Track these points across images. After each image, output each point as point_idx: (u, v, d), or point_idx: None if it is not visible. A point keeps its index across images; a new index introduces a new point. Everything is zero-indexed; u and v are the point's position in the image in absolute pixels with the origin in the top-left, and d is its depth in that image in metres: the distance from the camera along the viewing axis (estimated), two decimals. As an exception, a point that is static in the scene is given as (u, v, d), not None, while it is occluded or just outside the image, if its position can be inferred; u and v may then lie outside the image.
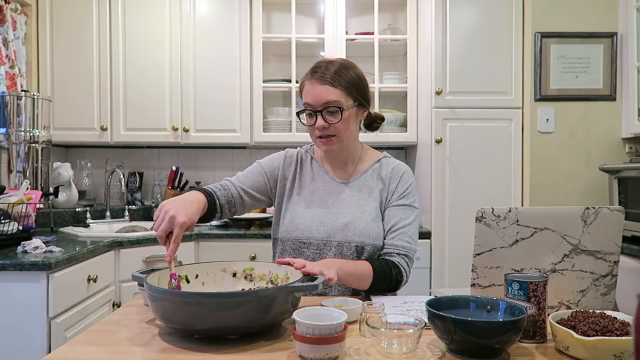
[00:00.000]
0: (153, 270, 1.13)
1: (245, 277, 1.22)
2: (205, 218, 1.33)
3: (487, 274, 1.09)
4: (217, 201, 1.38)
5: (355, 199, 1.41)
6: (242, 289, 1.16)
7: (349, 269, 1.24)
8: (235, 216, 1.50)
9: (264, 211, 2.98)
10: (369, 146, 1.55)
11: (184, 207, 1.17)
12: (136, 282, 1.22)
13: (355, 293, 1.36)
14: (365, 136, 1.51)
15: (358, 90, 1.37)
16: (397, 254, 1.36)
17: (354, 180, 1.44)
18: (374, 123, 1.50)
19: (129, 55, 2.82)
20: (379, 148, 1.60)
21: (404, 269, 1.35)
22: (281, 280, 1.17)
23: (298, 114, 1.40)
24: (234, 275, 1.22)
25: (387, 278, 1.31)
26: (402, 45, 2.95)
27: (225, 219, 2.83)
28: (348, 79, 1.35)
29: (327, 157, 1.47)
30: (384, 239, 1.39)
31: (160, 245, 1.16)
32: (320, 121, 1.33)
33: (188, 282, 1.17)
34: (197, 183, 3.10)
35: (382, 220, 1.41)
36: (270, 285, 1.17)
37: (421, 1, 2.82)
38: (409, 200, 1.42)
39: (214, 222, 2.82)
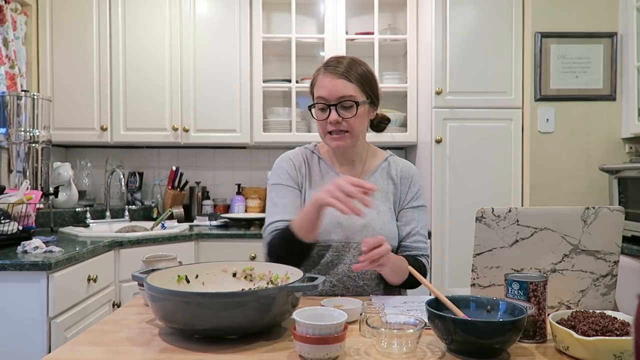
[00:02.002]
0: (153, 270, 1.13)
1: (245, 277, 1.22)
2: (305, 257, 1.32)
3: (487, 274, 1.09)
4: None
5: (370, 199, 1.40)
6: (242, 289, 1.16)
7: (395, 262, 1.26)
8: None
9: (263, 211, 2.98)
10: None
11: None
12: (136, 282, 1.23)
13: (355, 293, 1.36)
14: (366, 136, 1.50)
15: (370, 87, 1.36)
16: (421, 255, 1.41)
17: (365, 180, 1.42)
18: (380, 124, 1.48)
19: (129, 55, 2.82)
20: (380, 148, 1.60)
21: (427, 269, 1.41)
22: (281, 280, 1.17)
23: (310, 107, 1.38)
24: (234, 275, 1.22)
25: (414, 278, 1.28)
26: (402, 45, 2.95)
27: (226, 220, 2.83)
28: (362, 74, 1.34)
29: (334, 155, 1.45)
30: (403, 240, 1.41)
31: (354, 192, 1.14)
32: (334, 115, 1.31)
33: (188, 282, 1.17)
34: (197, 183, 3.10)
35: (398, 221, 1.42)
36: (270, 285, 1.17)
37: (421, 1, 2.82)
38: (421, 201, 1.46)
39: (214, 222, 2.83)
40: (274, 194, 1.42)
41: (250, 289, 1.17)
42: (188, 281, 1.16)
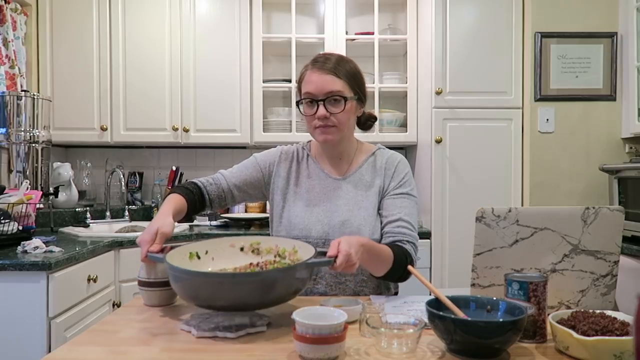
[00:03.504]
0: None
1: (253, 251, 1.26)
2: (193, 212, 1.41)
3: (487, 274, 1.09)
4: (207, 196, 1.44)
5: (352, 195, 1.40)
6: (251, 263, 1.20)
7: (373, 254, 1.21)
8: (228, 207, 1.57)
9: (264, 211, 2.99)
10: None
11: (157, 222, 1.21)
12: (136, 282, 1.23)
13: (339, 290, 1.36)
14: (364, 136, 1.51)
15: (358, 84, 1.37)
16: (406, 241, 1.34)
17: (349, 176, 1.43)
18: (367, 122, 1.49)
19: (129, 55, 2.82)
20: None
21: (413, 257, 1.33)
22: (289, 253, 1.21)
23: (297, 103, 1.38)
24: (242, 249, 1.26)
25: (402, 267, 1.27)
26: (402, 45, 2.95)
27: (226, 220, 2.83)
28: (349, 70, 1.35)
29: (322, 152, 1.46)
30: (386, 227, 1.37)
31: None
32: (322, 110, 1.31)
33: (199, 258, 1.20)
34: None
35: (380, 210, 1.40)
36: (277, 258, 1.22)
37: (421, 1, 2.82)
38: (406, 189, 1.41)
39: (213, 222, 2.83)
40: (245, 161, 1.51)
41: (258, 262, 1.20)
42: (199, 257, 1.20)
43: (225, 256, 1.23)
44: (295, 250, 1.19)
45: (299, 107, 1.39)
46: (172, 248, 1.16)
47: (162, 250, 1.14)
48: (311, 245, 1.17)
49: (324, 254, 1.09)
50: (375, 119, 1.52)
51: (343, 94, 1.32)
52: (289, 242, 1.22)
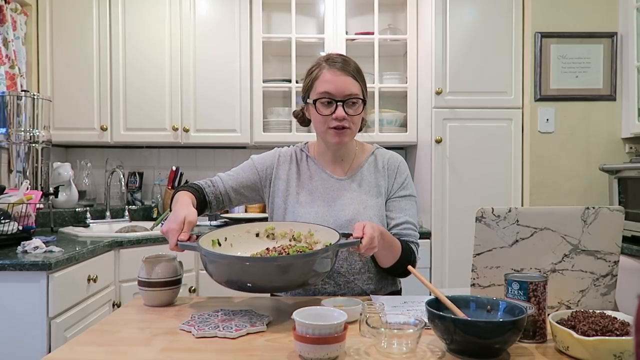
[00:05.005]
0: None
1: (268, 236, 1.30)
2: (199, 211, 1.42)
3: (487, 274, 1.09)
4: (206, 197, 1.45)
5: (356, 195, 1.41)
6: (267, 248, 1.24)
7: (388, 241, 1.28)
8: (227, 209, 1.59)
9: (263, 211, 2.99)
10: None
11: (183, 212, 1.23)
12: (136, 282, 1.23)
13: (347, 289, 1.37)
14: (364, 136, 1.51)
15: (366, 86, 1.41)
16: (411, 242, 1.41)
17: (352, 176, 1.45)
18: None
19: (129, 55, 2.82)
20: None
21: (417, 256, 1.42)
22: (304, 236, 1.25)
23: (314, 102, 1.35)
24: (257, 235, 1.30)
25: (407, 262, 1.34)
26: (402, 45, 2.95)
27: (226, 220, 2.84)
28: (360, 72, 1.39)
29: (323, 153, 1.46)
30: (393, 228, 1.41)
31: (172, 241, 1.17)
32: (341, 112, 1.32)
33: (220, 245, 1.24)
34: (197, 183, 3.10)
35: (386, 211, 1.43)
36: (293, 242, 1.27)
37: (421, 1, 2.82)
38: (408, 190, 1.46)
39: (213, 222, 2.83)
40: (243, 164, 1.52)
41: (275, 247, 1.24)
42: (220, 244, 1.24)
43: (243, 242, 1.28)
44: (311, 233, 1.25)
45: (315, 105, 1.35)
46: (197, 237, 1.18)
47: (188, 239, 1.17)
48: (329, 227, 1.23)
49: (345, 236, 1.16)
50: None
51: (360, 96, 1.35)
52: (304, 226, 1.27)
